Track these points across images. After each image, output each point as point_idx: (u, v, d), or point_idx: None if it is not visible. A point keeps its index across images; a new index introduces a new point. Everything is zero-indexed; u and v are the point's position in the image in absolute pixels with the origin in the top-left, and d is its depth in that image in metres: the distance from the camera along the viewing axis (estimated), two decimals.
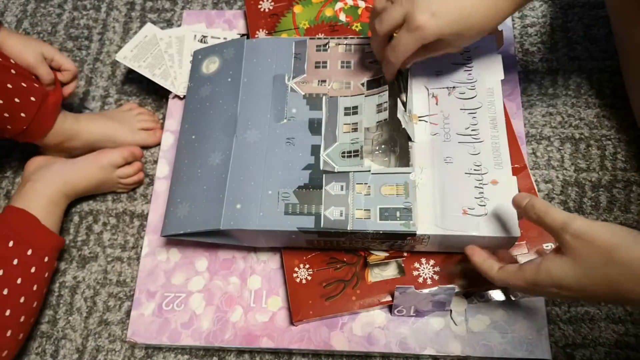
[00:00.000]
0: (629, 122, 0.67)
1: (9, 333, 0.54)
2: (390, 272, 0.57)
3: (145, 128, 0.69)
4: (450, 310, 0.56)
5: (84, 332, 0.61)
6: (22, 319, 0.55)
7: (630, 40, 0.63)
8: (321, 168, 0.54)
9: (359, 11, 0.68)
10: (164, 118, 0.70)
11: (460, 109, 0.56)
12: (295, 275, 0.57)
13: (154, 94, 0.74)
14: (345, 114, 0.57)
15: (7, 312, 0.54)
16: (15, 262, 0.55)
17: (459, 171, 0.53)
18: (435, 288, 0.53)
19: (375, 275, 0.57)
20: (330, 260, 0.57)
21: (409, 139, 0.54)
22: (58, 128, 0.63)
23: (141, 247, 0.63)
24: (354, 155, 0.55)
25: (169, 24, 0.79)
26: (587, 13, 0.73)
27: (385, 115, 0.56)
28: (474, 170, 0.53)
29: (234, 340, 0.56)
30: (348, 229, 0.51)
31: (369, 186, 0.53)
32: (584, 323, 0.58)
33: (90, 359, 0.60)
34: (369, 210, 0.52)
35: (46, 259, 0.58)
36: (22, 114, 0.59)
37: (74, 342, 0.61)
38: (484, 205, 0.51)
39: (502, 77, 0.57)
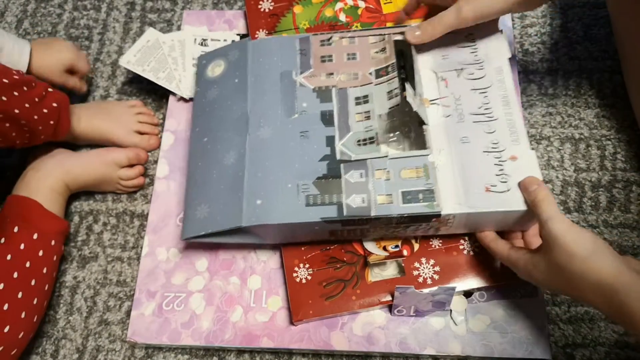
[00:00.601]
0: (629, 122, 0.67)
1: (23, 314, 0.54)
2: (390, 272, 0.57)
3: (142, 132, 0.69)
4: (450, 310, 0.56)
5: (84, 332, 0.61)
6: (35, 301, 0.56)
7: (631, 37, 0.63)
8: (338, 158, 0.54)
9: (359, 11, 0.69)
10: (164, 118, 0.70)
11: (471, 90, 0.56)
12: (295, 275, 0.57)
13: (154, 94, 0.74)
14: (357, 104, 0.57)
15: (20, 295, 0.54)
16: (22, 246, 0.56)
17: (476, 150, 0.53)
18: (435, 288, 0.53)
19: (375, 275, 0.57)
20: (330, 260, 0.57)
21: (423, 122, 0.54)
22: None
23: (141, 247, 0.63)
24: (370, 143, 0.55)
25: (169, 24, 0.79)
26: (587, 13, 0.73)
27: (396, 101, 0.56)
28: (492, 148, 0.53)
29: (234, 340, 0.57)
30: (372, 214, 0.51)
31: (388, 171, 0.53)
32: (583, 323, 0.58)
33: (91, 359, 0.60)
34: (391, 194, 0.51)
35: (53, 242, 0.59)
36: (51, 122, 0.61)
37: (74, 342, 0.61)
38: (506, 182, 0.51)
39: (510, 56, 0.57)
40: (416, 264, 0.56)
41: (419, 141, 0.54)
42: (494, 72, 0.56)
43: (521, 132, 0.53)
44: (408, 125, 0.55)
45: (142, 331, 0.58)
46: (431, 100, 0.56)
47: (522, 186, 0.50)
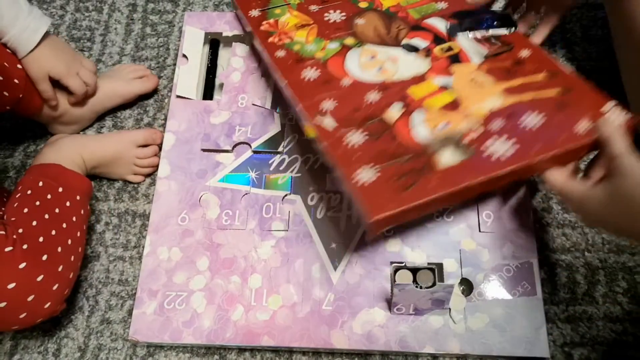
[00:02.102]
0: None
1: (60, 268, 0.55)
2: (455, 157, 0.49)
3: (138, 77, 0.73)
4: (449, 309, 0.56)
5: (86, 331, 0.62)
6: (69, 242, 0.57)
7: (628, 37, 0.63)
8: None
9: None
10: (165, 119, 0.71)
11: None
12: (356, 180, 0.48)
13: (155, 94, 0.75)
14: None
15: (59, 249, 0.55)
16: (48, 196, 0.57)
17: None
18: (435, 286, 0.54)
19: (446, 159, 0.48)
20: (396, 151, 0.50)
21: None
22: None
23: (143, 247, 0.63)
24: None
25: (170, 26, 0.80)
26: (585, 14, 0.74)
27: None
28: None
29: (235, 338, 0.57)
30: None
31: None
32: (582, 322, 0.59)
33: (93, 358, 0.60)
34: None
35: (78, 197, 0.60)
36: (16, 80, 0.61)
37: (76, 340, 0.61)
38: None
39: None
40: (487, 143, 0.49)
41: None
42: None
43: None
44: None
45: (144, 330, 0.58)
46: None
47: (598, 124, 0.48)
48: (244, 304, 0.58)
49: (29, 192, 0.57)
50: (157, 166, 0.68)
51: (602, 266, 0.61)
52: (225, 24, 0.74)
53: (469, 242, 0.60)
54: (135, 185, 0.69)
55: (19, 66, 0.62)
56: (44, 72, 0.64)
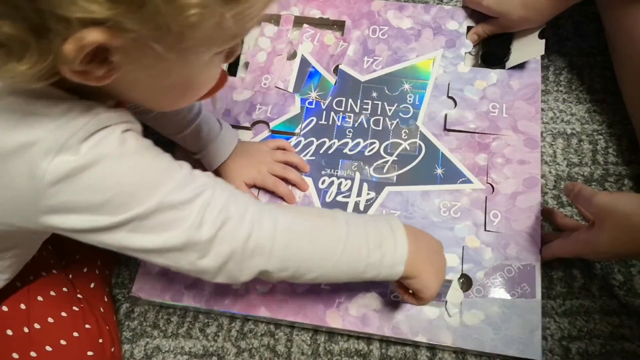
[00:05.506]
0: (620, 116, 0.68)
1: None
2: None
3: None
4: (446, 302, 0.57)
5: None
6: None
7: (620, 30, 0.63)
8: None
9: None
10: None
11: None
12: None
13: None
14: None
15: None
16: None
17: None
18: None
19: None
20: None
21: None
22: None
23: None
24: None
25: None
26: (577, 9, 0.71)
27: None
28: None
29: (233, 306, 0.58)
30: None
31: None
32: (579, 316, 0.59)
33: None
34: None
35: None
36: None
37: None
38: None
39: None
40: None
41: None
42: None
43: None
44: None
45: (147, 288, 0.60)
46: None
47: (566, 191, 0.55)
48: None
49: None
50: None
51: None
52: None
53: (473, 239, 0.60)
54: None
55: None
56: (238, 180, 0.62)
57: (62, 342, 0.52)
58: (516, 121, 0.65)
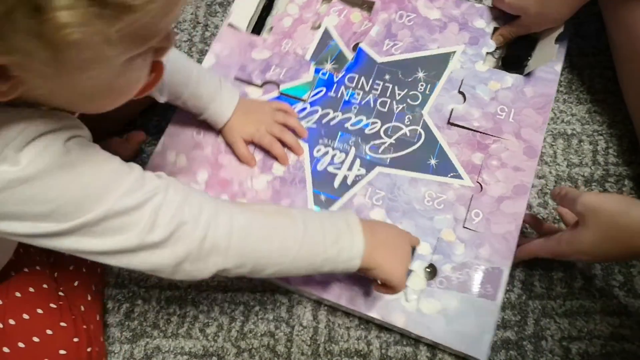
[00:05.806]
0: (620, 117, 0.67)
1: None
2: None
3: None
4: (407, 286, 0.57)
5: None
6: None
7: (623, 30, 0.62)
8: None
9: None
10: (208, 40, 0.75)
11: None
12: None
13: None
14: None
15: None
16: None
17: None
18: None
19: None
20: None
21: None
22: None
23: None
24: None
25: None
26: (578, 10, 0.71)
27: None
28: None
29: None
30: None
31: None
32: (579, 316, 0.59)
33: None
34: None
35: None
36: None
37: None
38: None
39: None
40: None
41: None
42: None
43: None
44: None
45: None
46: None
47: (553, 196, 0.56)
48: None
49: None
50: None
51: None
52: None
53: (449, 232, 0.60)
54: None
55: None
56: (236, 136, 0.64)
57: (35, 339, 0.51)
58: (521, 128, 0.64)
